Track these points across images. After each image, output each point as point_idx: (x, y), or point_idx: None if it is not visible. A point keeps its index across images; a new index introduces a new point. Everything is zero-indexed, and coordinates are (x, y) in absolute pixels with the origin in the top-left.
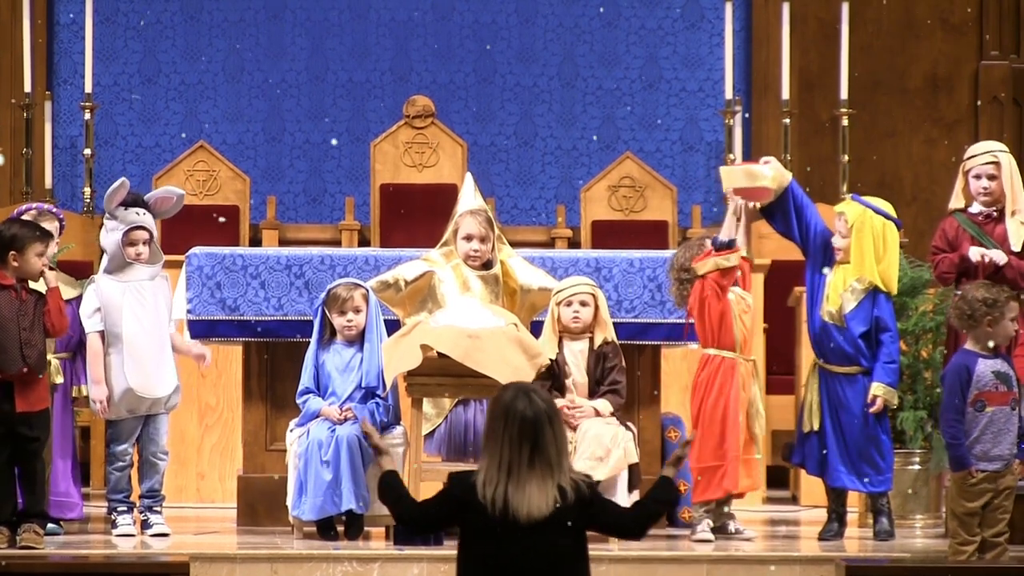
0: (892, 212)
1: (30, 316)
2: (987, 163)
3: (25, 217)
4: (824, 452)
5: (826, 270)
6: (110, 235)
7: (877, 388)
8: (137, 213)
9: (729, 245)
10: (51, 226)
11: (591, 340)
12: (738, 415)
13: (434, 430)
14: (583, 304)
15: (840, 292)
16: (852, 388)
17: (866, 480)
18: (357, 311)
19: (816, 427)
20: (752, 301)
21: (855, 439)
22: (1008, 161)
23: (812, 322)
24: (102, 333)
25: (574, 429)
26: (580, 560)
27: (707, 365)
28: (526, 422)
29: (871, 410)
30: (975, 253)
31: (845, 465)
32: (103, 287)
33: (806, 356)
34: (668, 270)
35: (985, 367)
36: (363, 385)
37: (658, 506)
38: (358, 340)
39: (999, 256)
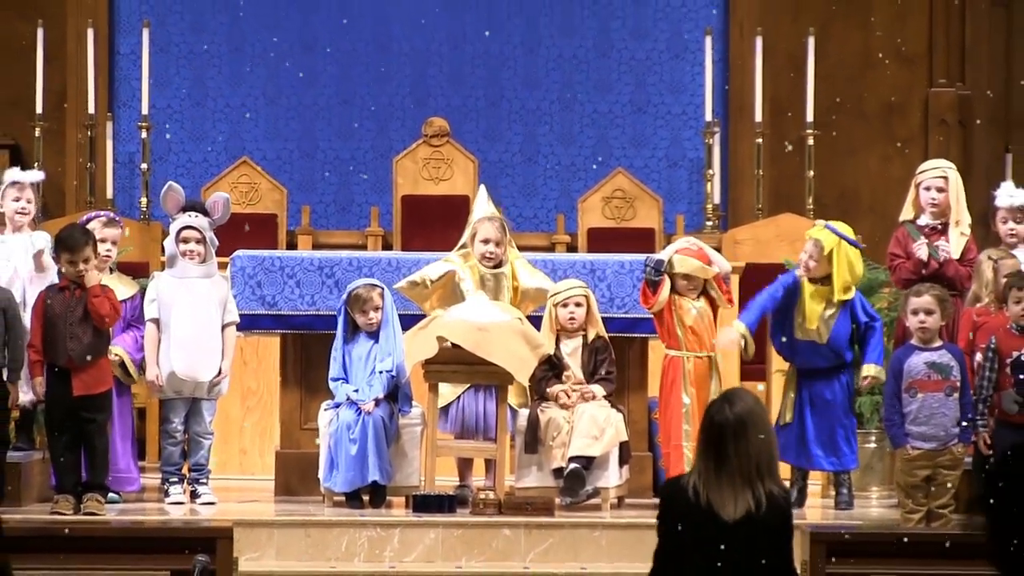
0: (853, 236)
1: (78, 312)
2: (937, 177)
3: (91, 225)
4: (803, 441)
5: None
6: (169, 236)
7: (869, 369)
8: (189, 216)
9: (657, 269)
10: (114, 231)
11: (584, 336)
12: (680, 407)
13: (449, 407)
14: (577, 305)
15: (820, 313)
16: (830, 382)
17: (837, 460)
18: (376, 309)
19: (789, 419)
20: (702, 305)
21: (832, 425)
22: (955, 178)
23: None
24: (157, 322)
25: (571, 409)
26: (779, 562)
27: (664, 361)
28: (713, 428)
29: (863, 387)
30: (921, 249)
31: (823, 449)
32: (160, 282)
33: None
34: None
35: (919, 359)
36: (376, 369)
37: None
38: (376, 331)
39: (924, 252)
